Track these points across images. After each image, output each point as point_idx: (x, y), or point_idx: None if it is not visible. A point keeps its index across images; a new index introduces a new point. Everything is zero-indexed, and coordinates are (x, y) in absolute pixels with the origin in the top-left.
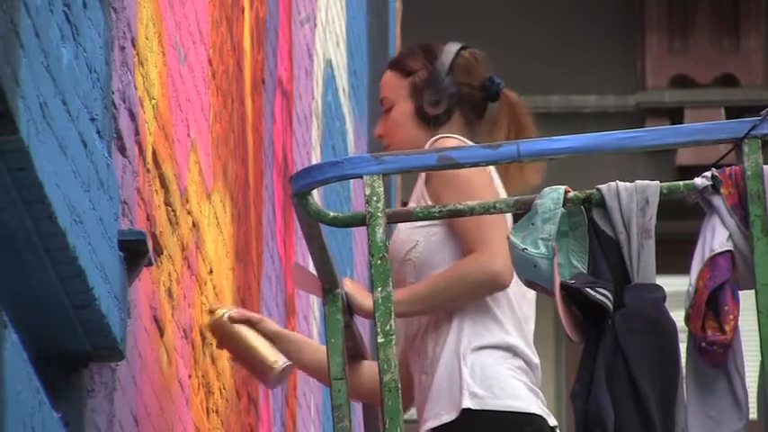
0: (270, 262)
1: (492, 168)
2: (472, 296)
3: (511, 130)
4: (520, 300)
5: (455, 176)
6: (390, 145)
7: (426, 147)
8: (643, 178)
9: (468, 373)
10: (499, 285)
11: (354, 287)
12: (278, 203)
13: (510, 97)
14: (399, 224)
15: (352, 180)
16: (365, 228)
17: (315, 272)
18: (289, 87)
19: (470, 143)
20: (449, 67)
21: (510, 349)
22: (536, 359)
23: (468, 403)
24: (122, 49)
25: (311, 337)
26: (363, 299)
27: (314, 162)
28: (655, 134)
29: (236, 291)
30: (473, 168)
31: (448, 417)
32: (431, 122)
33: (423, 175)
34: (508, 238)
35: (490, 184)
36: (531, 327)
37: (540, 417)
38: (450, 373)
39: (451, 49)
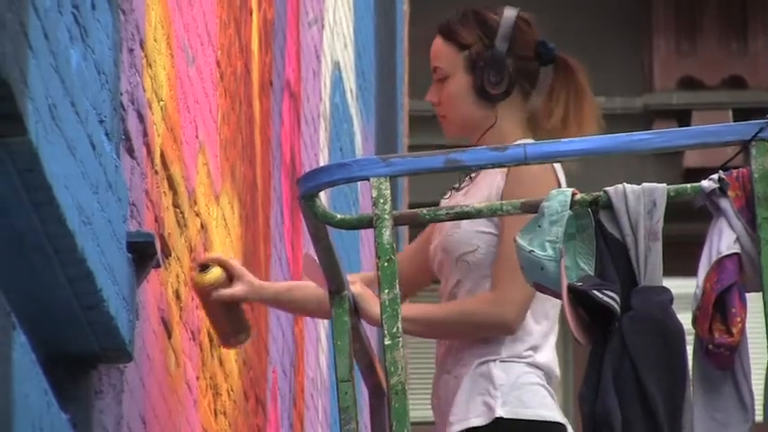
0: (278, 264)
1: (558, 166)
2: (478, 335)
3: (570, 99)
4: (549, 309)
5: (523, 174)
6: (447, 116)
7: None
8: (650, 180)
9: (500, 381)
10: (506, 333)
11: (363, 290)
12: (286, 205)
13: (567, 62)
14: (460, 221)
15: (359, 182)
16: (372, 230)
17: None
18: (296, 89)
19: (534, 141)
20: (508, 43)
21: (540, 361)
22: (557, 368)
23: (500, 411)
24: (131, 50)
25: (319, 338)
26: (371, 305)
27: (321, 164)
28: (663, 136)
29: None
30: (539, 165)
31: (477, 421)
32: (490, 99)
33: (500, 171)
34: (515, 240)
35: (554, 183)
36: (556, 331)
37: (563, 425)
38: (480, 379)
39: (508, 20)
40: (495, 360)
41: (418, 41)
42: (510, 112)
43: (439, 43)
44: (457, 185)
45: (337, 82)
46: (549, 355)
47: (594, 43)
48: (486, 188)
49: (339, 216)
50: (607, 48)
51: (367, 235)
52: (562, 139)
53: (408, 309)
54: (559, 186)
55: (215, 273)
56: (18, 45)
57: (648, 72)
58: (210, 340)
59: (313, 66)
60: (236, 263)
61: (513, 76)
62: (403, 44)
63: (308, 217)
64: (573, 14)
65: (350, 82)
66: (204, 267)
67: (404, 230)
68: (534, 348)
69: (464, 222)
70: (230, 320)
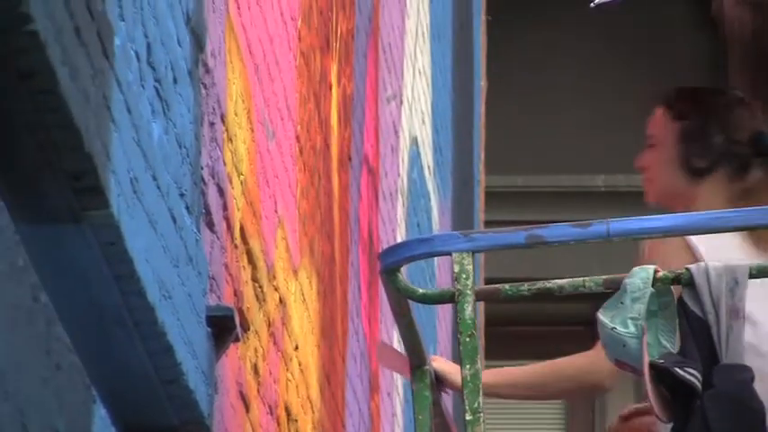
0: (354, 339)
1: (696, 238)
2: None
3: None
4: None
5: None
6: (651, 181)
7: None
8: None
9: None
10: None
11: (442, 362)
12: (363, 280)
13: None
14: None
15: (436, 257)
16: (451, 305)
17: (399, 349)
18: (375, 164)
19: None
20: (721, 122)
21: None
22: None
23: None
24: (212, 124)
25: (394, 413)
26: (455, 374)
27: (399, 239)
28: (748, 214)
29: (321, 367)
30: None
31: None
32: (694, 174)
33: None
34: (597, 316)
35: (679, 249)
36: None
37: None
38: None
39: (726, 102)
40: None
41: (494, 118)
42: (714, 191)
43: (659, 111)
44: None
45: (415, 157)
46: None
47: None
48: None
49: (421, 291)
50: None
51: (443, 310)
52: (646, 217)
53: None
54: (695, 259)
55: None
56: (101, 118)
57: None
58: (288, 414)
59: (391, 141)
60: None
61: (719, 156)
62: (480, 120)
63: (390, 291)
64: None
65: (427, 157)
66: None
67: (480, 305)
68: None
69: None
70: None
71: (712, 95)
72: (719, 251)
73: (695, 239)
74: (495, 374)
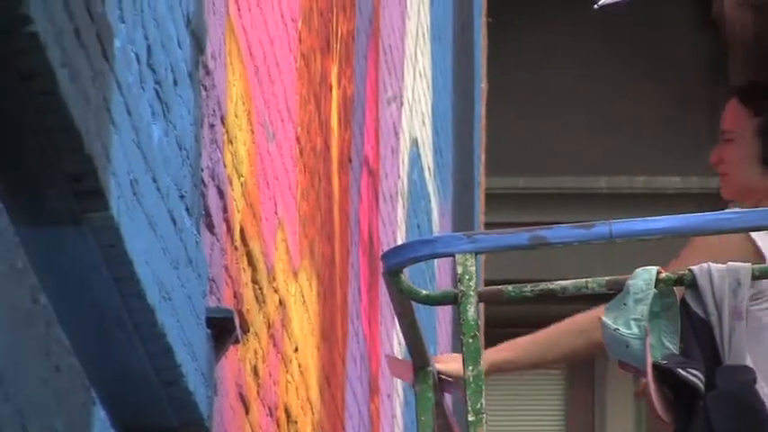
0: (354, 341)
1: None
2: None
3: None
4: None
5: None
6: (727, 176)
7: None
8: None
9: None
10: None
11: (443, 361)
12: (363, 282)
13: None
14: None
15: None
16: (451, 306)
17: (403, 356)
18: (375, 166)
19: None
20: None
21: None
22: None
23: None
24: (212, 126)
25: (394, 415)
26: (456, 364)
27: (399, 241)
28: (749, 216)
29: (321, 369)
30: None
31: None
32: None
33: None
34: (600, 318)
35: (742, 240)
36: None
37: None
38: None
39: None
40: None
41: (494, 120)
42: None
43: (733, 104)
44: None
45: (415, 159)
46: None
47: (672, 121)
48: None
49: (424, 292)
50: (683, 127)
51: (443, 312)
52: (649, 218)
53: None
54: (759, 254)
55: None
56: (101, 120)
57: None
58: (288, 416)
59: (391, 143)
60: None
61: None
62: (480, 122)
63: (393, 293)
64: (651, 95)
65: (428, 159)
66: None
67: (481, 306)
68: None
69: None
70: None
71: None
72: None
73: (755, 235)
74: (496, 352)
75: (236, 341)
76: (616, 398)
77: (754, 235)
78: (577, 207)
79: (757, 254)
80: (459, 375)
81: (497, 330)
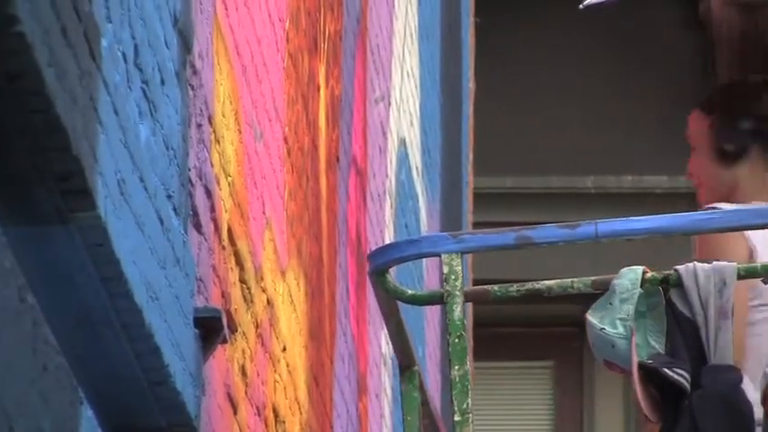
0: (342, 340)
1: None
2: None
3: None
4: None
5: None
6: (698, 185)
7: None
8: None
9: None
10: None
11: None
12: (351, 281)
13: None
14: None
15: (424, 258)
16: (439, 306)
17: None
18: (363, 165)
19: (742, 205)
20: (748, 106)
21: None
22: None
23: None
24: (199, 126)
25: (383, 414)
26: None
27: (387, 241)
28: (732, 215)
29: (309, 369)
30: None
31: None
32: (727, 159)
33: None
34: (586, 317)
35: (731, 239)
36: None
37: None
38: None
39: (752, 88)
40: None
41: (482, 119)
42: (752, 173)
43: (693, 116)
44: None
45: (403, 159)
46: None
47: (661, 122)
48: None
49: (410, 292)
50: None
51: (431, 312)
52: (633, 218)
53: None
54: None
55: None
56: (88, 120)
57: None
58: (276, 416)
59: (379, 142)
60: None
61: (749, 137)
62: (468, 121)
63: (379, 292)
64: (642, 94)
65: (415, 159)
66: None
67: (469, 306)
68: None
69: None
70: None
71: (739, 86)
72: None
73: (749, 233)
74: None
75: (224, 341)
76: (605, 397)
77: (748, 233)
78: (566, 207)
79: (749, 248)
80: None
81: (485, 329)
